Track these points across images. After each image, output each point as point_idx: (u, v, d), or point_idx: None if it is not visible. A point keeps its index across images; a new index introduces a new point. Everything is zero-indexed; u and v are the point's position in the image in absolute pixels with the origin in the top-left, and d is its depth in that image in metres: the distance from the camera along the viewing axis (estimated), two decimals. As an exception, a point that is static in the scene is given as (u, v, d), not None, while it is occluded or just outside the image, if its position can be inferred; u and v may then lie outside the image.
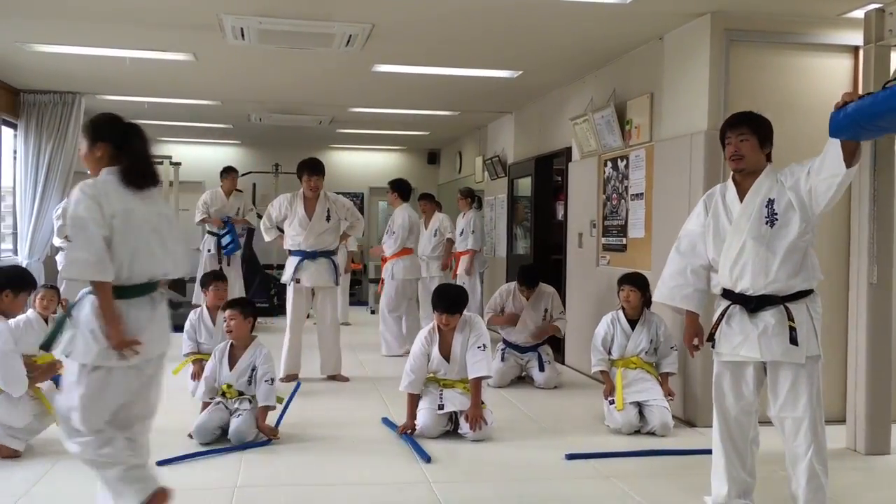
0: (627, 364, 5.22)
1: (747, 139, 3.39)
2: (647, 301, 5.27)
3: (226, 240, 8.92)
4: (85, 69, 7.56)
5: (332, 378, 6.65)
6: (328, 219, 6.58)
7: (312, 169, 6.53)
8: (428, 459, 4.36)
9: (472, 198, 9.59)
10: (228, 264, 8.91)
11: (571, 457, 4.45)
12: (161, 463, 4.10)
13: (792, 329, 3.26)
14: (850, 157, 3.06)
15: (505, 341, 6.69)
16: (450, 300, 4.92)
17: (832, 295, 4.89)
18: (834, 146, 3.09)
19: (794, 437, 3.31)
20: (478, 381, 4.86)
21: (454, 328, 4.93)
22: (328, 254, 6.62)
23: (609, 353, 5.32)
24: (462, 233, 9.30)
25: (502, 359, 6.58)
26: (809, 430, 3.27)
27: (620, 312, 5.34)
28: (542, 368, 6.51)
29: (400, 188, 8.25)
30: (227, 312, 4.84)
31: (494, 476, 4.20)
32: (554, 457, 4.49)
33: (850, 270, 4.85)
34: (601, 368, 5.31)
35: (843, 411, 4.84)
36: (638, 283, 5.29)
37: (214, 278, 5.99)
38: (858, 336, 4.70)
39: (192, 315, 5.84)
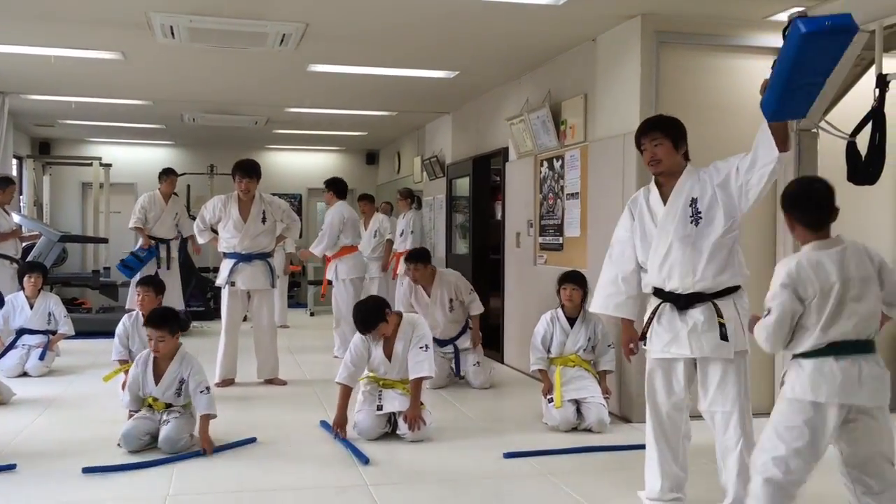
0: (566, 362, 5.26)
1: (661, 143, 3.45)
2: (584, 298, 5.33)
3: (144, 257, 8.63)
4: (8, 68, 7.31)
5: (270, 382, 6.55)
6: (264, 221, 6.48)
7: (245, 171, 6.42)
8: (366, 461, 4.32)
9: (412, 198, 9.58)
10: (168, 268, 8.72)
11: (509, 455, 4.47)
12: (86, 470, 4.04)
13: (721, 325, 3.33)
14: (781, 144, 3.09)
15: None
16: (359, 321, 4.83)
17: (760, 291, 4.98)
18: (763, 136, 3.13)
19: (723, 430, 3.39)
20: (418, 382, 4.85)
21: (393, 333, 4.88)
22: (264, 256, 6.52)
23: (548, 351, 5.35)
24: (402, 233, 9.28)
25: None
26: (738, 423, 3.35)
27: (560, 311, 5.37)
28: (457, 372, 6.49)
29: (334, 186, 8.13)
30: (150, 331, 4.51)
31: (433, 477, 4.19)
32: (492, 456, 4.49)
33: (776, 267, 4.98)
34: (540, 367, 5.34)
35: (771, 404, 4.95)
36: (579, 282, 5.33)
37: (142, 283, 5.76)
38: (785, 330, 4.82)
39: (126, 319, 5.62)
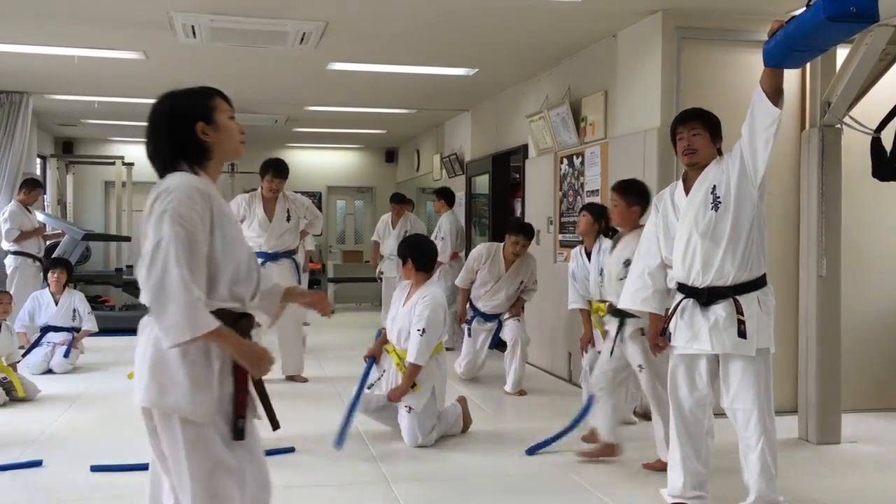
0: (598, 309, 4.70)
1: (699, 133, 3.44)
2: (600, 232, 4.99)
3: None
4: (32, 68, 7.39)
5: (291, 379, 6.58)
6: (288, 219, 6.51)
7: (277, 170, 6.42)
8: (340, 445, 4.31)
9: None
10: None
11: (531, 451, 4.48)
12: (96, 469, 4.05)
13: (741, 322, 3.31)
14: (776, 99, 3.14)
15: (472, 306, 6.52)
16: (414, 250, 4.88)
17: (783, 288, 4.97)
18: (758, 99, 3.17)
19: (745, 428, 3.37)
20: (411, 367, 4.67)
21: (419, 284, 4.83)
22: (290, 254, 6.55)
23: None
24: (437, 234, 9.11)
25: (469, 333, 6.46)
26: (758, 421, 3.33)
27: (581, 248, 5.17)
28: (492, 345, 6.48)
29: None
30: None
31: (453, 473, 4.20)
32: (511, 452, 4.51)
33: (799, 264, 4.95)
34: (579, 306, 5.11)
35: (795, 402, 4.93)
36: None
37: None
38: (808, 328, 4.80)
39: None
